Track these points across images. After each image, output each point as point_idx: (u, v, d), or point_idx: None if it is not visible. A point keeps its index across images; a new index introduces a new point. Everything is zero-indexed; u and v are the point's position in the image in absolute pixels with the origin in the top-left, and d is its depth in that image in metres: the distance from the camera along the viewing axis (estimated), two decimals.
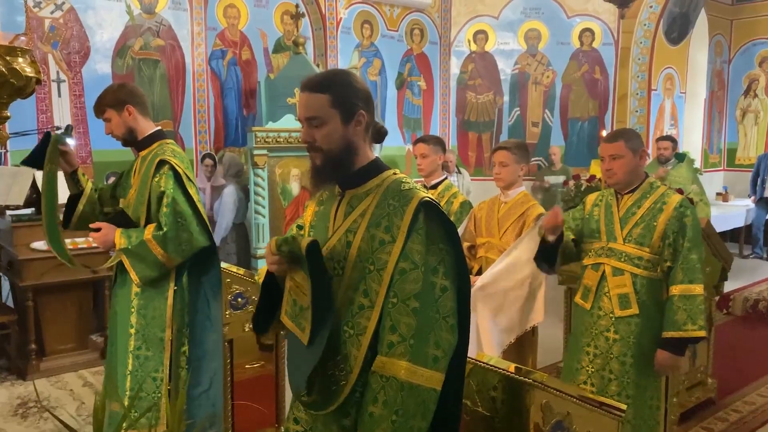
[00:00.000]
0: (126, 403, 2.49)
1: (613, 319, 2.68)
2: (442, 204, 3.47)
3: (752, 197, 8.66)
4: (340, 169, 1.64)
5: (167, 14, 5.97)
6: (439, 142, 3.58)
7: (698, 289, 2.59)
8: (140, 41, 5.84)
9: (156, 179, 2.59)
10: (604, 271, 2.72)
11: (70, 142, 5.13)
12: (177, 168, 2.62)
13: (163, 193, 2.58)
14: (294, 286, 1.67)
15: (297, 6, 6.38)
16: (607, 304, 2.70)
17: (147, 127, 2.74)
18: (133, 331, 2.60)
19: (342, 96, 1.59)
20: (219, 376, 2.73)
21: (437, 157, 3.51)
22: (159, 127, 2.80)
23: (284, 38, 6.78)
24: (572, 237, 2.83)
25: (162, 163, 2.62)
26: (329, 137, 1.61)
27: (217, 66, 6.38)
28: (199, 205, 2.66)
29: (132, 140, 2.73)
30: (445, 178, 3.71)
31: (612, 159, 2.67)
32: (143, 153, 2.73)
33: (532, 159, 8.35)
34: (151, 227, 2.58)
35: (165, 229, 2.55)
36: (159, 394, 2.58)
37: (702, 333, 2.59)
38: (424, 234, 1.55)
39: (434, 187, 3.64)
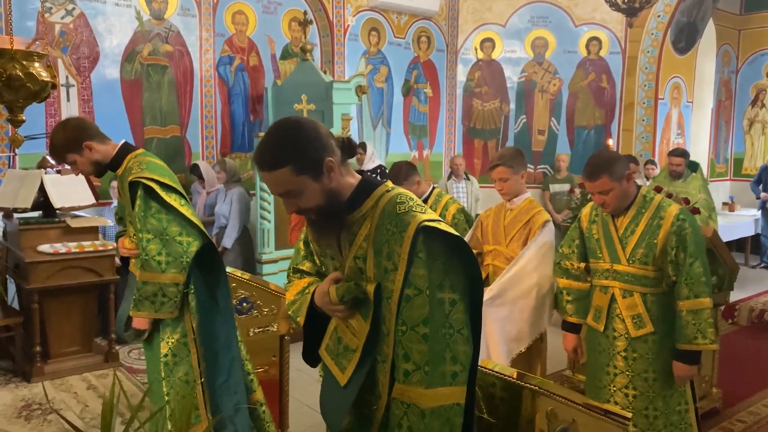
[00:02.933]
0: (168, 410, 2.57)
1: (629, 339, 2.67)
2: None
3: (761, 195, 8.49)
4: (338, 215, 1.62)
5: (176, 20, 6.01)
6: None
7: (705, 302, 2.57)
8: (149, 47, 5.88)
9: (135, 203, 2.59)
10: (613, 294, 2.72)
11: None
12: (148, 184, 2.57)
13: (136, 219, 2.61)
14: (343, 327, 1.69)
15: (305, 13, 6.42)
16: (620, 326, 2.70)
17: (109, 149, 2.69)
18: (162, 341, 2.66)
19: (302, 160, 1.51)
20: (237, 363, 2.75)
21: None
22: (122, 142, 2.74)
23: (292, 45, 6.81)
24: (581, 265, 2.90)
25: (133, 185, 2.59)
26: (311, 199, 1.57)
27: (225, 72, 6.42)
28: (183, 209, 2.62)
29: (102, 169, 2.72)
30: (433, 189, 3.69)
31: (600, 194, 2.62)
32: (119, 171, 2.70)
33: (538, 167, 8.36)
34: (138, 273, 2.63)
35: (143, 255, 2.54)
36: (194, 394, 2.63)
37: (713, 346, 2.59)
38: (425, 256, 1.52)
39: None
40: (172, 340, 2.64)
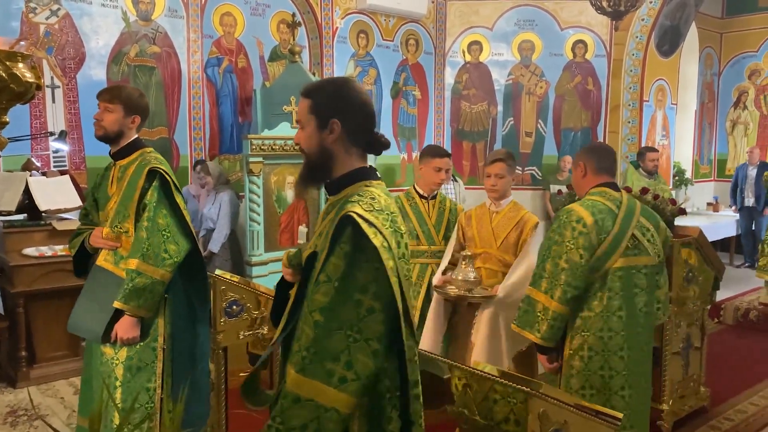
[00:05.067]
0: (119, 416, 2.46)
1: None
2: (446, 213, 3.50)
3: (733, 207, 8.74)
4: (318, 174, 1.68)
5: (163, 21, 5.97)
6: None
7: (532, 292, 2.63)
8: (136, 48, 5.84)
9: (149, 190, 2.57)
10: None
11: (64, 147, 5.14)
12: (166, 177, 2.60)
13: (145, 206, 2.57)
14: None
15: (293, 15, 6.41)
16: None
17: (132, 135, 2.72)
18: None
19: (320, 103, 1.63)
20: (205, 377, 2.74)
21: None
22: (137, 136, 2.76)
23: (280, 47, 6.80)
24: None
25: (152, 173, 2.59)
26: (307, 141, 1.66)
27: (213, 73, 6.39)
28: (185, 212, 2.64)
29: (113, 142, 2.68)
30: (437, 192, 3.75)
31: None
32: (123, 162, 2.68)
33: (526, 168, 8.41)
34: (133, 263, 2.50)
35: (144, 245, 2.50)
36: (152, 404, 2.56)
37: (539, 341, 2.59)
38: (350, 249, 1.50)
39: (434, 197, 3.68)
40: (141, 343, 2.54)
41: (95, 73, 5.62)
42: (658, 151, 6.15)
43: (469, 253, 3.21)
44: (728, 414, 4.08)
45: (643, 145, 8.05)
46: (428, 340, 3.27)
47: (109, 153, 2.72)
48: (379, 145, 1.70)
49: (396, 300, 1.51)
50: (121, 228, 2.60)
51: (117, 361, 2.54)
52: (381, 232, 1.51)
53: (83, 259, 2.74)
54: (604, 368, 2.55)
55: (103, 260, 2.63)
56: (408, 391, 1.59)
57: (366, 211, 1.52)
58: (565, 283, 2.50)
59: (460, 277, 3.12)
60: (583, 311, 2.58)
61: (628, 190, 3.86)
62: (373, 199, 1.58)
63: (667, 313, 2.82)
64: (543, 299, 2.56)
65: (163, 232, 2.54)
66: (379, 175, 1.73)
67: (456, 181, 7.43)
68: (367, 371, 1.46)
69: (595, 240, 2.50)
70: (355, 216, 1.50)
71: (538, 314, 2.57)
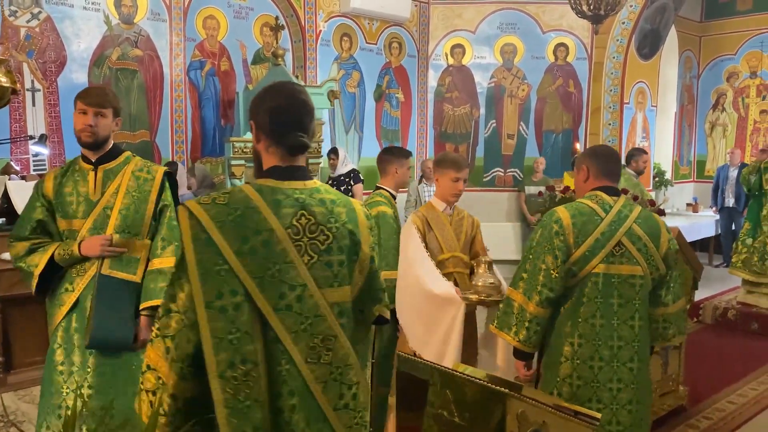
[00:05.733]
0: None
1: None
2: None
3: (713, 208, 8.88)
4: (256, 172, 1.78)
5: (146, 24, 5.95)
6: None
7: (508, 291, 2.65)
8: (118, 51, 5.81)
9: (163, 192, 2.64)
10: None
11: (44, 151, 5.10)
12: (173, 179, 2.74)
13: (167, 206, 2.63)
14: None
15: (277, 18, 6.41)
16: None
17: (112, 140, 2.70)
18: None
19: (249, 108, 1.78)
20: None
21: None
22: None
23: (263, 50, 6.80)
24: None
25: (169, 176, 2.70)
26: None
27: (196, 76, 6.37)
28: None
29: (100, 147, 2.61)
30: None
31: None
32: (109, 166, 2.61)
33: (508, 170, 8.47)
34: (172, 260, 2.51)
35: (172, 242, 2.59)
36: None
37: (516, 344, 2.54)
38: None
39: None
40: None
41: (77, 77, 5.58)
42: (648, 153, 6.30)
43: (488, 259, 3.16)
44: (706, 412, 4.14)
45: (623, 146, 8.16)
46: (454, 351, 3.01)
47: (89, 159, 2.62)
48: (291, 147, 1.71)
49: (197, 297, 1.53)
50: (133, 231, 2.56)
51: (134, 368, 2.54)
52: (197, 218, 1.55)
53: (47, 275, 2.57)
54: (573, 377, 2.46)
55: (109, 269, 2.52)
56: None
57: (198, 202, 1.59)
58: (541, 284, 2.45)
59: (480, 283, 3.09)
60: (560, 316, 2.52)
61: (624, 192, 3.91)
62: (225, 193, 1.63)
63: (679, 335, 2.61)
64: (520, 300, 2.51)
65: (175, 230, 2.60)
66: (309, 176, 1.74)
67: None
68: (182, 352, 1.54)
69: (571, 241, 2.44)
70: (187, 206, 1.59)
71: (516, 316, 2.52)
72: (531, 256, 2.53)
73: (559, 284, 2.46)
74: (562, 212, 2.50)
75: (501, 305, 2.68)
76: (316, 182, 1.75)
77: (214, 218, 1.56)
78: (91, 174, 2.61)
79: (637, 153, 6.74)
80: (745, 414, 4.14)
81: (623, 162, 6.82)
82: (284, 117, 1.71)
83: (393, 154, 3.50)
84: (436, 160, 3.31)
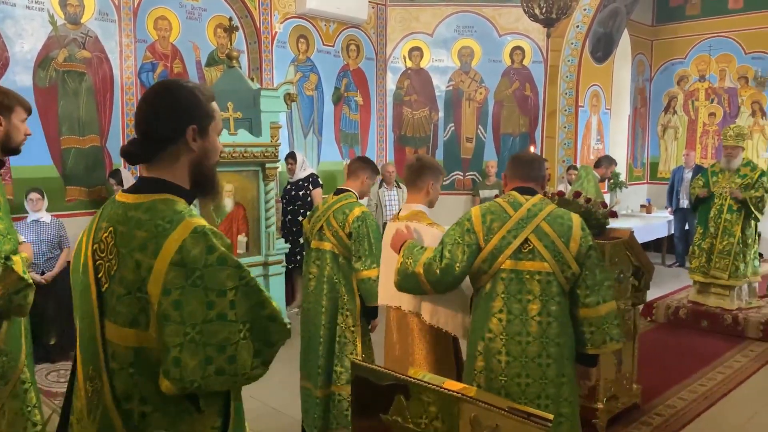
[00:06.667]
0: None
1: None
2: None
3: (669, 209, 9.11)
4: None
5: (94, 25, 5.77)
6: None
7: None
8: (65, 52, 5.62)
9: None
10: None
11: None
12: None
13: None
14: None
15: (231, 19, 6.30)
16: None
17: None
18: None
19: None
20: None
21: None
22: None
23: (218, 51, 6.68)
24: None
25: None
26: None
27: (148, 79, 6.21)
28: None
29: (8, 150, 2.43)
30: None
31: None
32: None
33: (467, 173, 8.53)
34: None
35: None
36: None
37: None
38: None
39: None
40: None
41: (21, 79, 5.37)
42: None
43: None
44: (659, 409, 4.22)
45: (578, 148, 8.31)
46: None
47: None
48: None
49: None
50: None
51: None
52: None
53: None
54: (485, 369, 2.54)
55: None
56: None
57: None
58: (441, 259, 2.54)
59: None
60: (475, 311, 2.62)
61: (561, 194, 3.97)
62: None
63: (611, 342, 2.55)
64: (418, 269, 2.60)
65: None
66: (159, 188, 1.59)
67: (400, 187, 7.46)
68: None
69: (480, 238, 2.53)
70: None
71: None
72: (440, 247, 2.60)
73: (453, 276, 2.53)
74: (474, 211, 2.63)
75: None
76: (151, 197, 1.55)
77: None
78: None
79: (606, 161, 7.06)
80: (695, 410, 4.23)
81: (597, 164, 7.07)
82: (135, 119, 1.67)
83: (369, 165, 3.59)
84: (429, 166, 3.05)
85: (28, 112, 2.46)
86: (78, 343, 1.62)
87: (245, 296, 1.49)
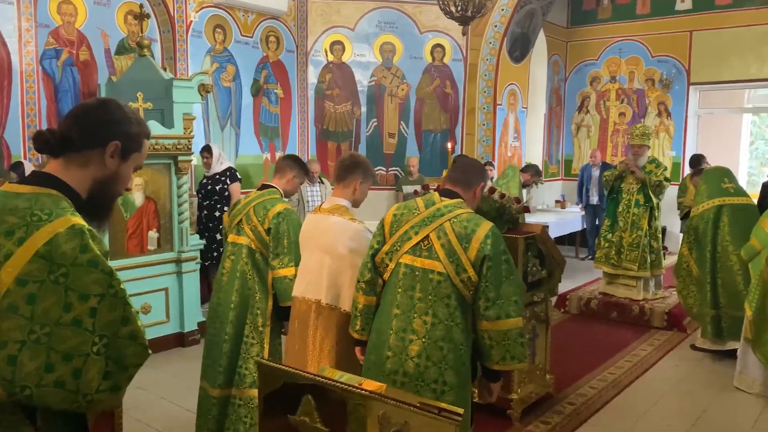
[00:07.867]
0: None
1: None
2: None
3: (580, 205, 9.50)
4: None
5: None
6: None
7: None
8: None
9: None
10: None
11: None
12: None
13: None
14: None
15: (141, 6, 6.01)
16: None
17: None
18: None
19: None
20: None
21: None
22: None
23: (128, 39, 6.36)
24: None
25: None
26: None
27: (51, 66, 5.83)
28: None
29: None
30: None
31: None
32: None
33: (390, 169, 8.54)
34: None
35: None
36: None
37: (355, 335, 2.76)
38: None
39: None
40: None
41: None
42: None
43: None
44: (571, 398, 4.36)
45: (496, 146, 8.50)
46: None
47: None
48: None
49: None
50: None
51: None
52: None
53: None
54: (369, 361, 2.58)
55: None
56: None
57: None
58: (360, 273, 2.69)
59: None
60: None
61: (492, 191, 3.98)
62: None
63: (512, 361, 2.43)
64: (354, 296, 2.73)
65: None
66: (44, 182, 1.51)
67: (323, 182, 7.37)
68: None
69: (387, 231, 2.62)
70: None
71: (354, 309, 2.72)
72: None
73: (366, 272, 2.64)
74: (393, 207, 2.72)
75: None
76: (38, 189, 1.47)
77: None
78: None
79: (533, 170, 7.92)
80: (604, 397, 4.40)
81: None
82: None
83: (297, 164, 3.51)
84: (361, 166, 3.02)
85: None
86: None
87: (110, 307, 1.38)
